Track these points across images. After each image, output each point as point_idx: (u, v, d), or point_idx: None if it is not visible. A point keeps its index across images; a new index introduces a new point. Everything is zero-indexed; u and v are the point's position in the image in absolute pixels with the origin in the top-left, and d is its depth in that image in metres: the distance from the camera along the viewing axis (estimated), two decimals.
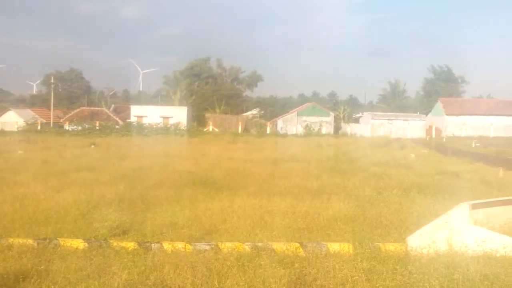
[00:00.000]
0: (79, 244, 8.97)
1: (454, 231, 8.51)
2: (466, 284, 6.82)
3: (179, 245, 8.85)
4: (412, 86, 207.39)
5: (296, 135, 65.82)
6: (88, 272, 7.55)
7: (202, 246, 8.77)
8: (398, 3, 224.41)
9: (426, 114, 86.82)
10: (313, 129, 71.28)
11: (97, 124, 63.90)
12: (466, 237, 8.40)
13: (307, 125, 72.92)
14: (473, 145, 49.53)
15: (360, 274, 7.15)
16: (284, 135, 64.80)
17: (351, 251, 8.49)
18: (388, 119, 79.29)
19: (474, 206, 8.72)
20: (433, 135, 74.17)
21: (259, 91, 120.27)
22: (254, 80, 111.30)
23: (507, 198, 10.19)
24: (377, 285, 6.88)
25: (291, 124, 77.25)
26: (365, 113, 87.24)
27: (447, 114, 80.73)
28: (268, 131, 70.78)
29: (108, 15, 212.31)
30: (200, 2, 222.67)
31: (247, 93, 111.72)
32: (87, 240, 9.17)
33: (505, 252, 7.99)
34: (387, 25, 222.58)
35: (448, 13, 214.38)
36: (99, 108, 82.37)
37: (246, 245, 8.71)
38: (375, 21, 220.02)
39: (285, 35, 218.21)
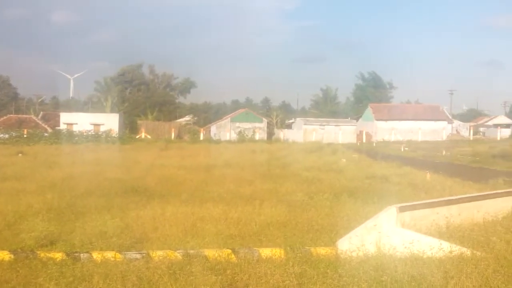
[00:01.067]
0: (4, 256, 8.64)
1: (382, 234, 8.68)
2: (394, 285, 6.95)
3: (109, 254, 8.65)
4: (343, 92, 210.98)
5: (229, 141, 65.95)
6: (13, 285, 7.30)
7: (133, 255, 8.62)
8: (329, 11, 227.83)
9: (357, 119, 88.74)
10: (247, 135, 71.59)
11: (25, 132, 61.94)
12: (394, 239, 8.58)
13: (240, 131, 73.16)
14: (402, 149, 50.89)
15: (291, 279, 7.19)
16: (218, 141, 64.78)
17: (283, 256, 8.52)
18: (320, 125, 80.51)
19: (401, 209, 8.92)
20: (364, 140, 75.83)
21: (192, 98, 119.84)
22: (187, 86, 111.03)
23: (433, 200, 10.50)
24: None
25: (224, 130, 77.37)
26: (297, 119, 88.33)
27: (376, 119, 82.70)
28: (201, 138, 70.61)
29: (36, 21, 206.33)
30: (131, 8, 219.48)
31: (180, 99, 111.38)
32: (13, 251, 8.85)
33: (432, 253, 8.20)
34: (318, 32, 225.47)
35: (377, 21, 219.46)
36: (27, 116, 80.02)
37: (178, 252, 8.62)
38: (306, 28, 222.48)
39: (218, 41, 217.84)
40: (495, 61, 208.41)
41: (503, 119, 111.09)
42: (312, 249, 8.77)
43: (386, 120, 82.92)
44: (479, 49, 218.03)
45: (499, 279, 6.93)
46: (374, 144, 66.12)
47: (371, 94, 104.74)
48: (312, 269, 7.69)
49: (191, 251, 8.67)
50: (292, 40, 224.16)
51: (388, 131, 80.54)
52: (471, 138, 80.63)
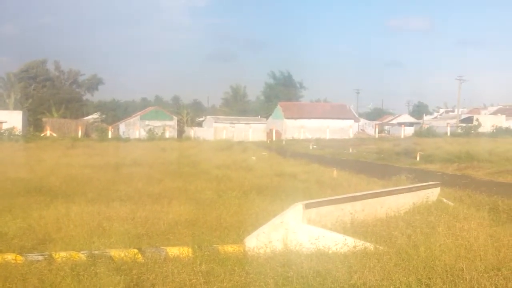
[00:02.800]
0: None
1: (289, 230, 8.79)
2: (300, 281, 7.05)
3: (9, 256, 8.28)
4: (253, 90, 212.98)
5: (139, 140, 64.94)
6: None
7: (35, 256, 8.28)
8: (240, 9, 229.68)
9: (267, 117, 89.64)
10: (157, 133, 70.71)
11: None
12: (300, 236, 8.71)
13: (150, 129, 72.17)
14: (311, 147, 51.87)
15: (198, 277, 7.14)
16: (127, 140, 63.59)
17: (190, 255, 8.45)
18: (230, 123, 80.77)
19: (307, 206, 9.06)
20: (274, 138, 76.73)
21: (100, 95, 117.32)
22: (94, 83, 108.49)
23: (338, 197, 10.74)
24: (214, 287, 6.92)
25: (133, 128, 76.14)
26: (208, 117, 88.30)
27: (286, 118, 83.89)
28: (110, 136, 69.12)
29: None
30: (33, 1, 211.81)
31: (87, 96, 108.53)
32: None
33: (336, 249, 8.38)
34: (229, 30, 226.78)
35: (287, 21, 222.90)
36: None
37: (82, 253, 8.36)
38: (217, 26, 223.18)
39: (126, 37, 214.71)
40: (399, 62, 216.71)
41: (406, 118, 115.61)
42: (220, 247, 8.75)
43: (295, 118, 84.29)
44: (385, 50, 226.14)
45: (400, 272, 7.16)
46: (284, 142, 67.03)
47: (281, 93, 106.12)
48: (219, 267, 7.68)
49: (96, 252, 8.43)
50: (203, 37, 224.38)
51: (297, 129, 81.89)
52: (377, 136, 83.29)
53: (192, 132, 77.92)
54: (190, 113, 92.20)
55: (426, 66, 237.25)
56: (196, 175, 20.39)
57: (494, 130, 77.54)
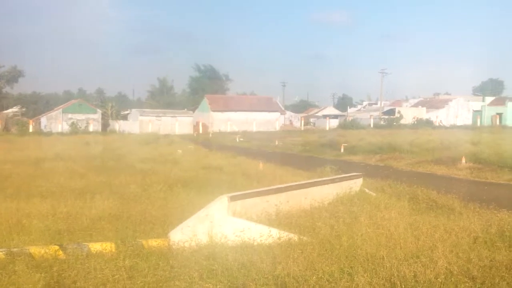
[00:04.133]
0: None
1: (214, 223, 8.77)
2: (225, 273, 7.06)
3: None
4: (180, 83, 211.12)
5: (61, 133, 63.29)
6: None
7: None
8: (164, 2, 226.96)
9: (194, 110, 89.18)
10: (80, 127, 69.11)
11: None
12: (225, 228, 8.71)
13: (73, 123, 70.41)
14: (237, 140, 52.02)
15: (121, 273, 7.02)
16: (49, 134, 61.78)
17: (113, 250, 8.29)
18: (156, 116, 79.92)
19: (233, 198, 9.07)
20: (200, 131, 76.47)
21: (20, 88, 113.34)
22: (14, 75, 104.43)
23: (263, 189, 10.79)
24: (138, 282, 6.81)
25: (56, 122, 74.10)
26: (133, 110, 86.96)
27: (213, 111, 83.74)
28: (30, 130, 66.98)
29: None
30: None
31: (7, 89, 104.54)
32: None
33: (261, 240, 8.43)
34: (154, 22, 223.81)
35: (213, 13, 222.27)
36: None
37: (0, 251, 8.07)
38: (142, 18, 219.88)
39: (48, 28, 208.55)
40: (324, 55, 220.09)
41: (331, 110, 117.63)
42: (144, 242, 8.63)
43: (222, 111, 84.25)
44: (310, 44, 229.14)
45: (323, 261, 7.28)
46: (211, 135, 66.94)
47: (207, 86, 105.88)
48: (143, 262, 7.58)
49: (15, 249, 8.14)
50: (128, 29, 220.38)
51: (224, 122, 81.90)
52: (302, 129, 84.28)
53: (117, 125, 76.64)
54: (114, 106, 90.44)
55: (350, 59, 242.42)
56: (121, 169, 20.03)
57: (415, 122, 79.85)
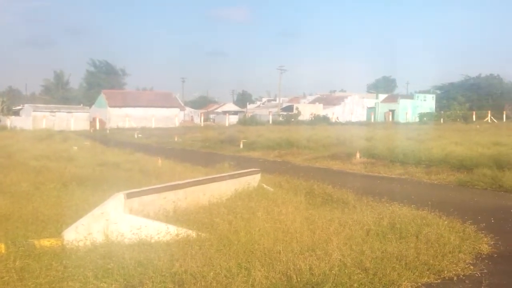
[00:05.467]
0: None
1: (110, 221, 8.57)
2: (121, 272, 6.92)
3: None
4: (78, 77, 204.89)
5: None
6: None
7: None
8: None
9: (90, 106, 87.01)
10: None
11: None
12: (122, 226, 8.53)
13: None
14: (136, 136, 51.28)
15: (11, 274, 6.73)
16: None
17: (3, 251, 7.92)
18: (51, 111, 77.30)
19: (129, 195, 8.89)
20: (97, 127, 74.69)
21: None
22: None
23: (161, 185, 10.66)
24: (29, 284, 6.54)
25: None
26: (26, 105, 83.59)
27: (110, 106, 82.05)
28: None
29: None
30: None
31: None
32: None
33: (159, 238, 8.33)
34: (47, 14, 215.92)
35: (110, 6, 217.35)
36: None
37: None
38: (34, 10, 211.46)
39: None
40: (223, 52, 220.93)
41: (231, 106, 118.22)
42: (36, 242, 8.31)
43: (120, 107, 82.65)
44: (210, 40, 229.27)
45: (221, 257, 7.29)
46: (108, 131, 65.56)
47: (103, 81, 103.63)
48: (35, 263, 7.28)
49: None
50: (19, 21, 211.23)
51: (122, 118, 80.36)
52: (202, 125, 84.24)
53: (9, 121, 73.40)
54: (6, 101, 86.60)
55: (250, 56, 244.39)
56: (12, 166, 19.14)
57: (313, 118, 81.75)
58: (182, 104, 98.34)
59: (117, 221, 8.58)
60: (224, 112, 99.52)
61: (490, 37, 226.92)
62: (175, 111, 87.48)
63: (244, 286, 6.57)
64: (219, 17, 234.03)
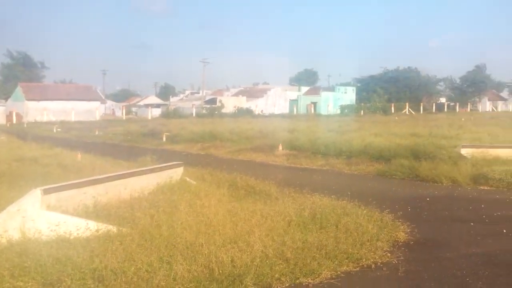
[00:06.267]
0: None
1: (27, 218, 8.31)
2: (39, 269, 6.73)
3: None
4: None
5: None
6: None
7: None
8: None
9: (6, 99, 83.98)
10: None
11: None
12: (39, 223, 8.29)
13: None
14: (55, 130, 49.89)
15: None
16: None
17: None
18: None
19: (46, 191, 8.64)
20: (14, 121, 72.20)
21: None
22: None
23: (80, 180, 10.41)
24: None
25: None
26: None
27: (28, 100, 79.42)
28: None
29: None
30: None
31: None
32: None
33: (78, 234, 8.15)
34: None
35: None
36: None
37: None
38: None
39: None
40: (146, 44, 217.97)
41: (154, 99, 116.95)
42: None
43: (38, 100, 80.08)
44: (132, 32, 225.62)
45: (142, 252, 7.22)
46: (25, 125, 63.40)
47: (21, 73, 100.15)
48: None
49: None
50: None
51: (40, 111, 77.91)
52: (124, 118, 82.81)
53: None
54: None
55: (173, 48, 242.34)
56: None
57: (236, 111, 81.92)
58: (103, 97, 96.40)
59: (34, 218, 8.34)
60: (147, 105, 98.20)
61: (407, 31, 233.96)
62: (95, 104, 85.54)
63: (166, 280, 6.53)
64: (142, 8, 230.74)
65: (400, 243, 8.96)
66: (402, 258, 8.08)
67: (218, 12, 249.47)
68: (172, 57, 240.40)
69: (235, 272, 6.78)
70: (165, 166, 13.22)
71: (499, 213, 11.69)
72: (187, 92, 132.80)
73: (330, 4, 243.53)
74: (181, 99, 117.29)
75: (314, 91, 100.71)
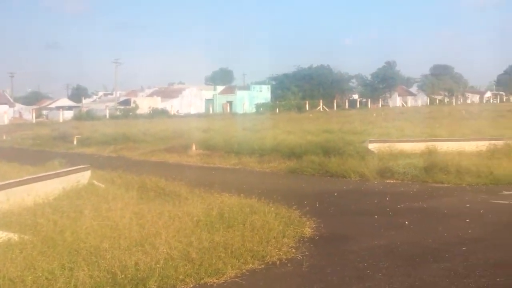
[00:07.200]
0: None
1: None
2: None
3: None
4: None
5: None
6: None
7: None
8: None
9: None
10: None
11: None
12: None
13: None
14: None
15: None
16: None
17: None
18: None
19: None
20: None
21: None
22: None
23: None
24: None
25: None
26: None
27: None
28: None
29: None
30: None
31: None
32: None
33: None
34: None
35: None
36: None
37: None
38: None
39: None
40: (57, 45, 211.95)
41: (66, 102, 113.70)
42: None
43: None
44: (42, 32, 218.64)
45: (44, 259, 7.06)
46: None
47: None
48: None
49: None
50: None
51: None
52: (34, 121, 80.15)
53: None
54: None
55: (85, 49, 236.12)
56: None
57: (151, 112, 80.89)
58: (12, 101, 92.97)
59: None
60: (58, 108, 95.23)
61: (320, 30, 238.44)
62: (3, 108, 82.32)
63: (66, 287, 6.39)
64: (52, 7, 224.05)
65: (306, 239, 9.15)
66: (306, 253, 8.26)
67: (132, 12, 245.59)
68: (85, 58, 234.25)
69: (139, 275, 6.72)
70: (71, 170, 12.94)
71: (402, 206, 12.14)
72: (100, 94, 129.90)
73: (243, 2, 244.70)
74: (94, 101, 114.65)
75: (230, 90, 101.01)
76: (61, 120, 74.74)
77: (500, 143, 19.15)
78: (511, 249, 8.42)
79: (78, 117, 76.37)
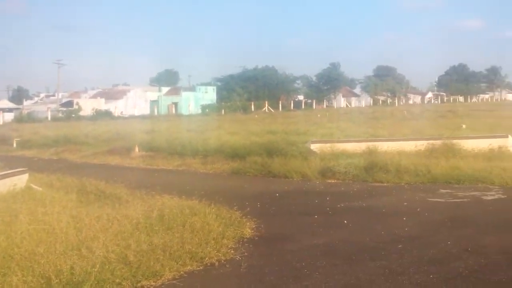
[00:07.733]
0: None
1: None
2: None
3: None
4: None
5: None
6: None
7: None
8: None
9: None
10: None
11: None
12: None
13: None
14: None
15: None
16: None
17: None
18: None
19: None
20: None
21: None
22: None
23: None
24: None
25: None
26: None
27: None
28: None
29: None
30: None
31: None
32: None
33: None
34: None
35: None
36: None
37: None
38: None
39: None
40: None
41: (5, 103, 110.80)
42: None
43: None
44: None
45: None
46: None
47: None
48: None
49: None
50: None
51: None
52: None
53: None
54: None
55: (26, 50, 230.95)
56: None
57: (95, 113, 79.66)
58: None
59: None
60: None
61: (264, 31, 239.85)
62: None
63: None
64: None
65: (246, 239, 9.18)
66: (246, 254, 8.30)
67: (74, 12, 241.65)
68: (26, 59, 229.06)
69: (74, 279, 6.61)
70: (8, 174, 12.65)
71: (342, 205, 12.33)
72: (42, 95, 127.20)
73: (188, 3, 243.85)
74: (36, 103, 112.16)
75: (175, 91, 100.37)
76: (1, 123, 72.81)
77: (438, 142, 19.60)
78: (445, 247, 8.62)
79: (19, 119, 74.59)
